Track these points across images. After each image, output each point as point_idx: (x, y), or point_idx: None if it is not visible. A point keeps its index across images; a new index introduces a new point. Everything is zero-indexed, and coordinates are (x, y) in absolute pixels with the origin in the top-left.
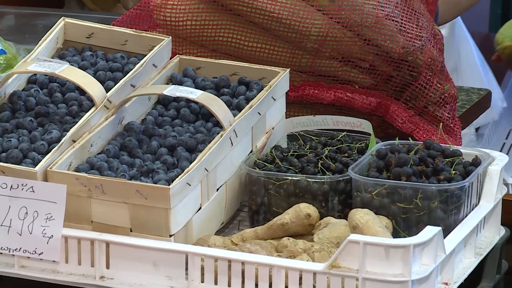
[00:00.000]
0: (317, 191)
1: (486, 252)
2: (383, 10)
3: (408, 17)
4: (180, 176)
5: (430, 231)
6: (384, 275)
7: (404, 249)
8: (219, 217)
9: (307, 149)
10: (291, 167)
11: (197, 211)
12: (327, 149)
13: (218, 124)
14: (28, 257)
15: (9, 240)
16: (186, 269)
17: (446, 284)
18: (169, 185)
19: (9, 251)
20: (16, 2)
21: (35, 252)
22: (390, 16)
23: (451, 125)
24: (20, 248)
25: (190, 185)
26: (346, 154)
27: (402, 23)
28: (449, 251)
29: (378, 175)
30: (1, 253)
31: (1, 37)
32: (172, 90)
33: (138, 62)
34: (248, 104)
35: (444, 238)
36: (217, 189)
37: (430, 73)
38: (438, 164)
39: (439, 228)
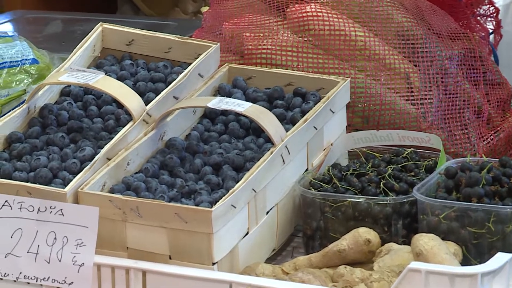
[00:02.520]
0: (379, 214)
1: None
2: (426, 121)
3: (451, 115)
4: (224, 198)
5: (501, 258)
6: None
7: (471, 278)
8: (270, 243)
9: (369, 167)
10: (350, 188)
11: (244, 236)
12: (390, 168)
13: (270, 140)
14: (58, 287)
15: (37, 269)
16: None
17: None
18: (211, 207)
19: (36, 281)
20: (67, 7)
21: (65, 281)
22: (435, 124)
23: None
24: (49, 277)
25: (235, 207)
26: (412, 173)
27: (449, 129)
28: None
29: (447, 196)
30: (28, 282)
31: (34, 45)
32: (218, 102)
33: (183, 72)
34: (303, 117)
35: None
36: (267, 212)
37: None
38: None
39: (511, 254)
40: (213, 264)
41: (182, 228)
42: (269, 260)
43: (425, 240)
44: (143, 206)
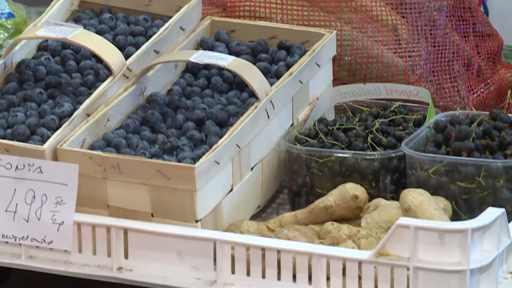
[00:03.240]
0: (366, 169)
1: None
2: (414, 73)
3: (439, 68)
4: (207, 154)
5: (491, 213)
6: (439, 263)
7: (461, 234)
8: (255, 200)
9: (355, 121)
10: (336, 143)
11: (228, 193)
12: (378, 122)
13: (254, 95)
14: (37, 247)
15: (15, 228)
16: (215, 259)
17: None
18: (194, 163)
19: (15, 240)
20: None
21: (44, 240)
22: (423, 77)
23: None
24: (28, 237)
25: (219, 163)
26: (400, 127)
27: (437, 82)
28: None
29: (436, 150)
30: (6, 242)
31: None
32: (200, 56)
33: (163, 25)
34: (288, 71)
35: (510, 221)
36: (252, 168)
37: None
38: (505, 137)
39: (502, 209)
40: (197, 221)
41: (164, 185)
42: (254, 217)
43: (414, 196)
44: (124, 163)
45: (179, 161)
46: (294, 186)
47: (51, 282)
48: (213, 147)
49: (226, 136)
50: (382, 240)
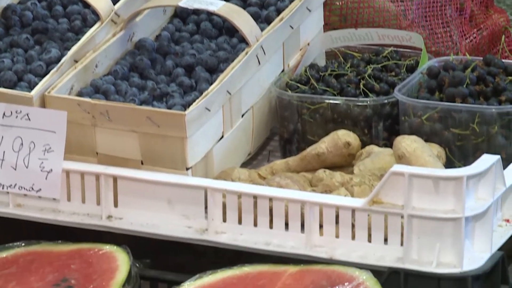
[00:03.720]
0: (359, 116)
1: None
2: (406, 18)
3: (432, 13)
4: (198, 100)
5: (487, 160)
6: (433, 211)
7: (456, 181)
8: (245, 147)
9: (347, 67)
10: (328, 89)
11: (219, 141)
12: (370, 67)
13: (244, 40)
14: (25, 195)
15: (3, 176)
16: (206, 207)
17: (508, 221)
18: (185, 110)
19: (2, 188)
20: None
21: (33, 188)
22: (415, 22)
23: None
24: (15, 184)
25: (209, 110)
26: (393, 73)
27: (430, 27)
28: (511, 183)
29: (429, 96)
30: None
31: None
32: (189, 1)
33: None
34: (278, 16)
35: (505, 168)
36: (242, 115)
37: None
38: (499, 83)
39: (498, 156)
40: (187, 169)
41: (154, 132)
42: (244, 165)
43: (408, 142)
44: (113, 109)
45: (169, 108)
46: (285, 133)
47: (39, 231)
48: (204, 94)
49: (216, 82)
50: (376, 187)
